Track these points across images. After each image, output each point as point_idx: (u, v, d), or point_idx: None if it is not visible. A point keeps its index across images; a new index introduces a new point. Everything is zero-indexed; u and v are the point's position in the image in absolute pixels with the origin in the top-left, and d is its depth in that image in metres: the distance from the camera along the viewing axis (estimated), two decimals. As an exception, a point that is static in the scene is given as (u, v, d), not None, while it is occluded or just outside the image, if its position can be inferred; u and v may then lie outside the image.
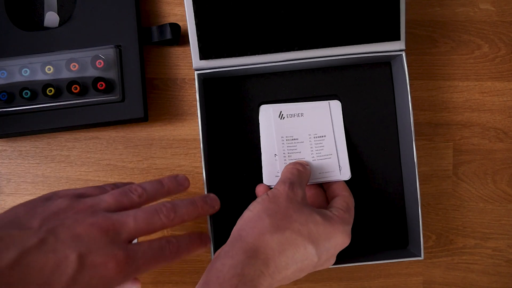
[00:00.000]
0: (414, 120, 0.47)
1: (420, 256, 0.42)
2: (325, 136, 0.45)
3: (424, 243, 0.48)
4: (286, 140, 0.45)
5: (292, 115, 0.45)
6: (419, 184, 0.42)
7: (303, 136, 0.45)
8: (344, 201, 0.40)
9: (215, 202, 0.37)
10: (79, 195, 0.34)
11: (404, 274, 0.48)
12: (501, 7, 0.48)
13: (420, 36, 0.48)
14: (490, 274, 0.48)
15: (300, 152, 0.44)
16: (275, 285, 0.35)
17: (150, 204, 0.34)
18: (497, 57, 0.48)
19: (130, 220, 0.32)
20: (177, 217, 0.34)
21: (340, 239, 0.37)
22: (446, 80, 0.48)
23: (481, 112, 0.48)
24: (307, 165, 0.43)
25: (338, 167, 0.45)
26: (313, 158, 0.44)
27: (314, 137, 0.45)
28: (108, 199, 0.33)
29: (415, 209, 0.42)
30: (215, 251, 0.42)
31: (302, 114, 0.45)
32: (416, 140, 0.47)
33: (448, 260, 0.48)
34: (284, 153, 0.44)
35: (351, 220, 0.39)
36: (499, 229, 0.48)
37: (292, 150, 0.44)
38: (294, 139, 0.45)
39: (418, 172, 0.47)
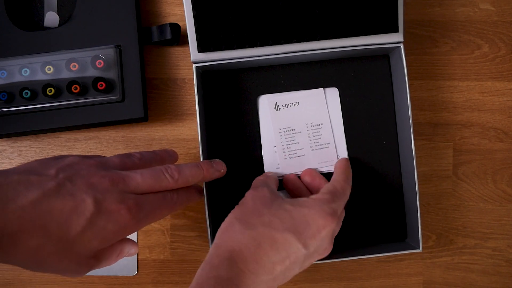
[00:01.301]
0: (414, 120, 0.47)
1: (418, 248, 0.42)
2: (322, 124, 0.45)
3: (424, 243, 0.48)
4: (284, 131, 0.45)
5: (287, 105, 0.45)
6: (418, 179, 0.42)
7: (300, 125, 0.45)
8: (330, 184, 0.40)
9: (220, 166, 0.40)
10: (86, 156, 0.36)
11: (404, 274, 0.48)
12: (501, 7, 0.48)
13: (420, 36, 0.48)
14: (490, 274, 0.48)
15: (298, 143, 0.45)
16: (270, 283, 0.34)
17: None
18: (497, 57, 0.48)
19: (138, 176, 0.35)
20: (181, 178, 0.36)
21: (320, 220, 0.35)
22: (446, 80, 0.48)
23: (481, 112, 0.48)
24: (270, 173, 0.44)
25: (336, 156, 0.45)
26: (312, 148, 0.45)
27: (311, 126, 0.45)
28: (113, 158, 0.36)
29: (414, 203, 0.42)
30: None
31: (297, 103, 0.45)
32: (416, 140, 0.47)
33: (448, 260, 0.48)
34: (283, 145, 0.45)
35: (336, 200, 0.37)
36: (499, 229, 0.48)
37: (291, 141, 0.45)
38: (292, 130, 0.45)
39: (418, 172, 0.47)
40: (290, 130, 0.45)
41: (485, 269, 0.48)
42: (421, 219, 0.42)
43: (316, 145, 0.45)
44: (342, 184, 0.40)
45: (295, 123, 0.45)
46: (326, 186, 0.40)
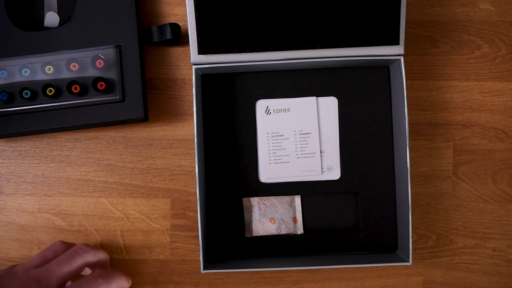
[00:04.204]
0: (414, 120, 0.47)
1: (408, 261, 0.42)
2: (310, 133, 0.45)
3: (424, 243, 0.48)
4: (272, 136, 0.45)
5: (278, 110, 0.45)
6: (411, 192, 0.42)
7: (289, 132, 0.45)
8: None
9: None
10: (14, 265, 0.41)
11: (404, 274, 0.48)
12: (501, 7, 0.48)
13: (420, 36, 0.48)
14: (490, 274, 0.48)
15: (285, 149, 0.45)
16: None
17: None
18: (497, 57, 0.48)
19: (54, 266, 0.39)
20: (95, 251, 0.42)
21: None
22: (446, 80, 0.48)
23: (481, 112, 0.48)
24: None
25: (320, 167, 0.45)
26: (297, 156, 0.45)
27: (299, 134, 0.45)
28: (34, 258, 0.41)
29: (406, 214, 0.42)
30: (204, 252, 0.42)
31: (288, 110, 0.45)
32: (416, 140, 0.48)
33: (448, 260, 0.48)
34: (269, 150, 0.45)
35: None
36: (499, 229, 0.48)
37: (277, 146, 0.45)
38: (280, 136, 0.45)
39: (418, 172, 0.48)
40: (278, 136, 0.45)
41: (485, 269, 0.48)
42: (412, 232, 0.42)
43: (302, 154, 0.45)
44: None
45: (284, 129, 0.45)
46: None
